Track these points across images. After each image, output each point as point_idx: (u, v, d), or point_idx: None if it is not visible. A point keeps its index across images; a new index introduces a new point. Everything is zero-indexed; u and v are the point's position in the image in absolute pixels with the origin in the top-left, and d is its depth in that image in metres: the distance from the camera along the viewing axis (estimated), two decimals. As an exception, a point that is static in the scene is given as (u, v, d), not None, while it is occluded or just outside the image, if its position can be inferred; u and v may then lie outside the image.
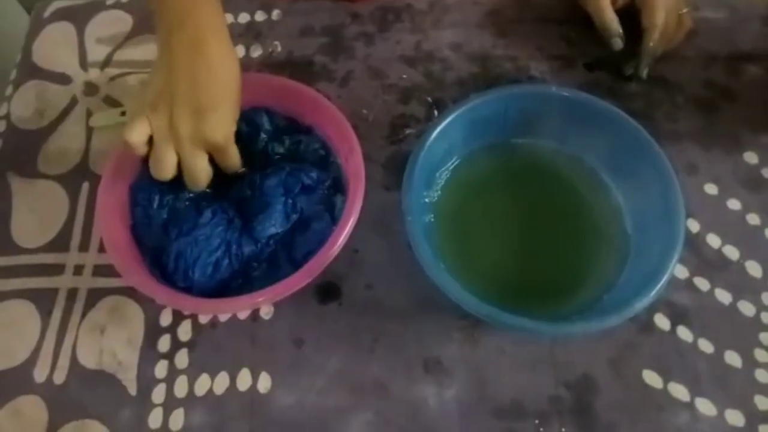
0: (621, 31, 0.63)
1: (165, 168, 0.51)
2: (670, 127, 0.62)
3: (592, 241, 0.54)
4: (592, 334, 0.53)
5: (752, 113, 0.63)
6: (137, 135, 0.50)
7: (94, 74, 0.69)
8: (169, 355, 0.54)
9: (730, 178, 0.60)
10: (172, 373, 0.53)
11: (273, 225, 0.52)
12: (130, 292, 0.56)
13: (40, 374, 0.53)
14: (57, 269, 0.58)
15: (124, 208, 0.54)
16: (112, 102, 0.67)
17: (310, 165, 0.55)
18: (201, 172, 0.52)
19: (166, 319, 0.55)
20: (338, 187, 0.55)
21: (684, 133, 0.62)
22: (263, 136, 0.57)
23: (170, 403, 0.52)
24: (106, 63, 0.70)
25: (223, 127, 0.51)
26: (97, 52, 0.71)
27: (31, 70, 0.69)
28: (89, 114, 0.66)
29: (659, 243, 0.48)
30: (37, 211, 0.61)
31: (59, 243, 0.59)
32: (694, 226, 0.57)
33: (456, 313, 0.54)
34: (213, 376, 0.53)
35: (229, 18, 0.71)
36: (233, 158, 0.54)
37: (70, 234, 0.59)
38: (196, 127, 0.50)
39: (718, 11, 0.70)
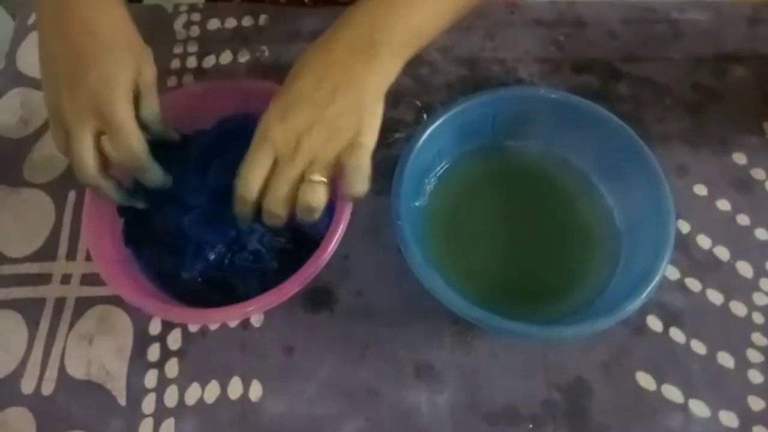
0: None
1: (59, 149, 0.47)
2: (658, 128, 0.62)
3: (582, 243, 0.54)
4: (585, 337, 0.53)
5: (739, 114, 0.63)
6: (56, 137, 0.46)
7: (79, 81, 0.68)
8: (159, 364, 0.53)
9: (720, 179, 0.60)
10: (162, 383, 0.52)
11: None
12: (118, 301, 0.55)
13: (27, 385, 0.52)
14: (44, 279, 0.57)
15: (111, 216, 0.54)
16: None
17: None
18: (86, 154, 0.45)
19: (155, 327, 0.55)
20: None
21: (673, 134, 0.62)
22: None
23: (160, 413, 0.51)
24: (91, 70, 0.69)
25: (108, 83, 0.44)
26: (82, 59, 0.70)
27: (15, 78, 0.68)
28: (75, 121, 0.65)
29: (650, 245, 0.48)
30: (23, 220, 0.60)
31: (46, 252, 0.58)
32: (684, 227, 0.57)
33: (447, 318, 0.53)
34: (203, 385, 0.52)
35: (216, 23, 0.71)
36: (126, 131, 0.45)
37: (56, 243, 0.59)
38: (78, 91, 0.44)
39: (703, 13, 0.70)
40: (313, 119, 0.44)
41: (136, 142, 0.46)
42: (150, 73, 0.48)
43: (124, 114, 0.45)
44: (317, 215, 0.47)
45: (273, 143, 0.44)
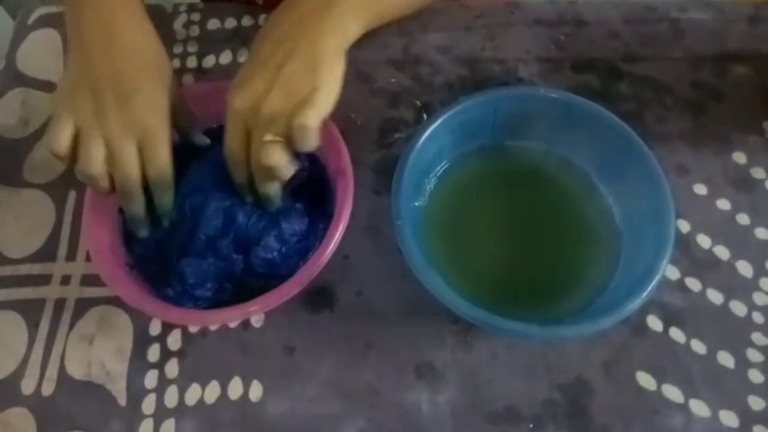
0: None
1: (93, 163, 0.47)
2: (659, 128, 0.62)
3: (583, 243, 0.54)
4: (585, 337, 0.53)
5: (740, 113, 0.63)
6: (63, 137, 0.47)
7: (79, 81, 0.68)
8: (159, 365, 0.53)
9: (720, 178, 0.60)
10: (162, 383, 0.52)
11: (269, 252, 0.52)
12: (118, 302, 0.55)
13: (27, 386, 0.52)
14: (44, 279, 0.57)
15: (111, 217, 0.54)
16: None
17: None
18: (132, 168, 0.48)
19: (155, 328, 0.55)
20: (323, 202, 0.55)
21: (673, 134, 0.62)
22: None
23: (161, 414, 0.51)
24: (91, 70, 0.69)
25: (153, 109, 0.49)
26: (82, 59, 0.70)
27: (15, 78, 0.68)
28: (75, 121, 0.65)
29: (650, 244, 0.48)
30: (23, 220, 0.60)
31: (46, 253, 0.58)
32: (684, 226, 0.57)
33: (448, 318, 0.53)
34: (204, 386, 0.52)
35: (216, 23, 0.71)
36: (164, 150, 0.49)
37: (56, 243, 0.59)
38: (124, 112, 0.47)
39: (704, 12, 0.70)
40: (271, 82, 0.46)
41: (168, 161, 0.50)
42: (177, 86, 0.52)
43: (164, 137, 0.49)
44: (281, 175, 0.48)
45: (238, 111, 0.47)
